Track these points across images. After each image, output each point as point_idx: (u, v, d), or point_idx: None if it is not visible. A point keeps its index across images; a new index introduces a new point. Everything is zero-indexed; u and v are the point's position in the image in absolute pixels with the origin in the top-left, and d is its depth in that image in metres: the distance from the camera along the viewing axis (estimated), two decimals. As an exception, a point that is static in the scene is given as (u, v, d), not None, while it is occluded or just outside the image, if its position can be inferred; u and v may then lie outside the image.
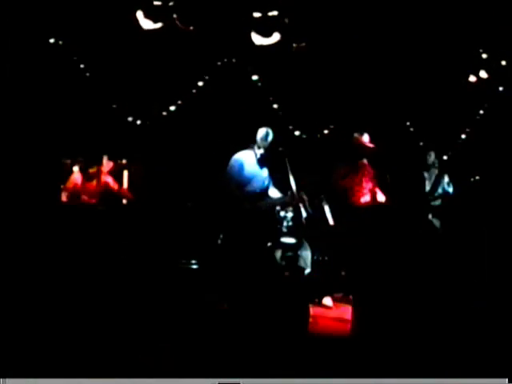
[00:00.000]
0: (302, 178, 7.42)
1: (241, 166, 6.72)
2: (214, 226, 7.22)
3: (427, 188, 8.49)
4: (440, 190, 8.46)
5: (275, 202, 7.31)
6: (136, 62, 9.05)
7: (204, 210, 8.90)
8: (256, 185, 6.79)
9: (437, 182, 8.46)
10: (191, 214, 9.28)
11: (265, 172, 6.87)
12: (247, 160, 6.76)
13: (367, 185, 7.36)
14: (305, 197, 7.10)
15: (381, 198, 7.46)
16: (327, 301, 7.16)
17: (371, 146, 7.35)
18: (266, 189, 6.92)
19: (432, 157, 8.60)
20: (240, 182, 6.69)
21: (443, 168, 8.66)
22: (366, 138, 7.39)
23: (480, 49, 9.25)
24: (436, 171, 8.56)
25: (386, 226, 7.60)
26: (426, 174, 8.61)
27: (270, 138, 6.74)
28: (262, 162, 6.80)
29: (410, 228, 7.91)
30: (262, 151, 6.76)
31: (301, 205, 6.97)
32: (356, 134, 7.41)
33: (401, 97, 10.26)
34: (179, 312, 5.78)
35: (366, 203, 7.32)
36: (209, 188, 8.61)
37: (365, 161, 7.30)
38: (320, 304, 7.13)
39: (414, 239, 7.83)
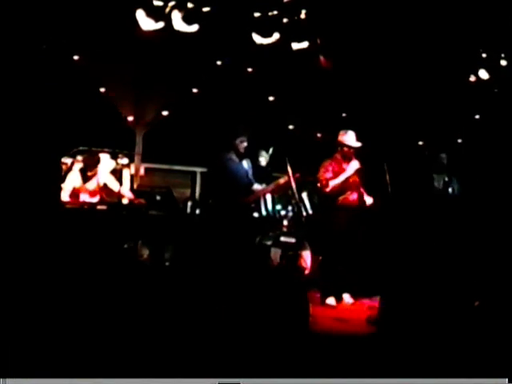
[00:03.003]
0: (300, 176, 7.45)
1: (226, 163, 6.92)
2: (212, 226, 7.24)
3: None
4: (450, 190, 8.47)
5: (264, 190, 7.43)
6: (135, 61, 9.06)
7: (203, 209, 8.91)
8: (240, 180, 6.95)
9: (446, 183, 8.47)
10: (191, 213, 9.28)
11: (246, 165, 7.09)
12: (229, 156, 6.94)
13: (355, 184, 7.41)
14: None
15: (368, 200, 7.47)
16: (331, 300, 7.17)
17: (355, 145, 7.34)
18: (250, 183, 7.07)
19: (444, 159, 8.61)
20: (228, 179, 6.89)
21: (446, 169, 8.67)
22: (350, 136, 7.35)
23: (480, 49, 9.24)
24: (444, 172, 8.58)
25: (383, 226, 7.64)
26: (435, 176, 8.61)
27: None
28: (242, 156, 7.02)
29: (415, 228, 7.93)
30: (244, 144, 6.94)
31: (293, 185, 7.06)
32: (342, 132, 7.42)
33: (400, 96, 10.27)
34: (179, 312, 5.77)
35: (354, 201, 7.34)
36: (208, 187, 8.60)
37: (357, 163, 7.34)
38: (323, 303, 7.15)
39: (419, 239, 7.85)
